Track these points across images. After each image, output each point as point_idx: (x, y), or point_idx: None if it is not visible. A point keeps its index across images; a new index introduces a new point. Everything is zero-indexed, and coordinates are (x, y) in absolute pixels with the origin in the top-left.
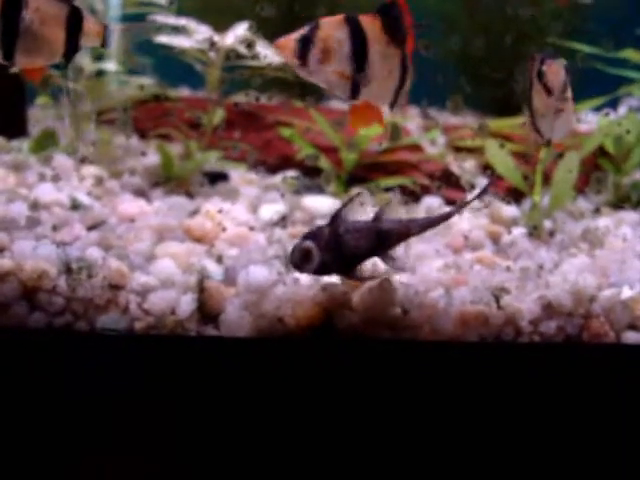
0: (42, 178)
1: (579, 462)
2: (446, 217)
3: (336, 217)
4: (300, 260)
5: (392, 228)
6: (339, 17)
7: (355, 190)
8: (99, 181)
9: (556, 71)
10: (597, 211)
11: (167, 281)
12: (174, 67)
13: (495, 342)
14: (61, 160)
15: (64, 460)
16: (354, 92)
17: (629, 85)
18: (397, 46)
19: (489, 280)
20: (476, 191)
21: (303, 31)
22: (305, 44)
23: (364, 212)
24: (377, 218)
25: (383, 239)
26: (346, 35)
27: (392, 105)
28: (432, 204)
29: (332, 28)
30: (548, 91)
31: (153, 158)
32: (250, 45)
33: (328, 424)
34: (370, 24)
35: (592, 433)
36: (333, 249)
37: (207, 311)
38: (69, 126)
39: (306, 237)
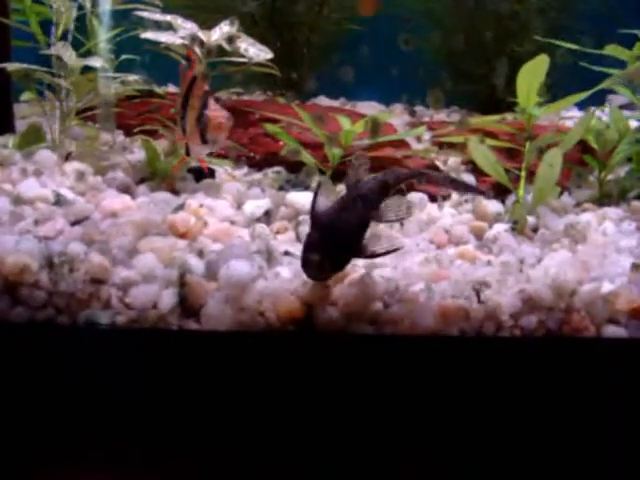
0: (26, 174)
1: (560, 455)
2: (421, 174)
3: (314, 215)
4: (316, 272)
5: (372, 187)
6: None
7: (340, 187)
8: (83, 177)
9: None
10: (578, 205)
11: (149, 275)
12: (163, 64)
13: (476, 336)
14: (46, 156)
15: (44, 454)
16: None
17: (615, 84)
18: None
19: (470, 274)
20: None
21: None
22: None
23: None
24: (351, 187)
25: (368, 201)
26: None
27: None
28: (415, 199)
29: None
30: None
31: (139, 154)
32: (231, 40)
33: (308, 418)
34: None
35: (573, 427)
36: (333, 243)
37: (188, 305)
38: (48, 122)
39: (306, 250)
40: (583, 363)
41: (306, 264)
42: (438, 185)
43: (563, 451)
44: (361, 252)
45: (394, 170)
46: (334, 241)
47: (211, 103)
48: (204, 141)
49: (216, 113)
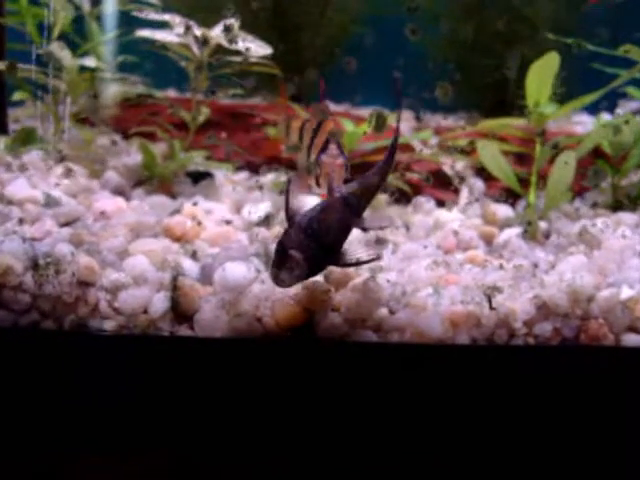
0: (16, 175)
1: (576, 468)
2: (391, 152)
3: (290, 215)
4: (287, 275)
5: (355, 189)
6: None
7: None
8: (76, 179)
9: None
10: (594, 205)
11: (139, 278)
12: (165, 70)
13: (487, 345)
14: (37, 157)
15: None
16: None
17: (628, 86)
18: None
19: (481, 279)
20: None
21: None
22: None
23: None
24: (331, 190)
25: (351, 204)
26: None
27: None
28: (422, 203)
29: None
30: None
31: (136, 158)
32: (231, 40)
33: (308, 430)
34: None
35: (591, 442)
36: (309, 245)
37: (181, 310)
38: (43, 124)
39: (277, 250)
40: (602, 373)
41: (278, 267)
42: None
43: (579, 462)
44: (338, 260)
45: (374, 170)
46: (312, 247)
47: (331, 148)
48: (317, 184)
49: (332, 160)
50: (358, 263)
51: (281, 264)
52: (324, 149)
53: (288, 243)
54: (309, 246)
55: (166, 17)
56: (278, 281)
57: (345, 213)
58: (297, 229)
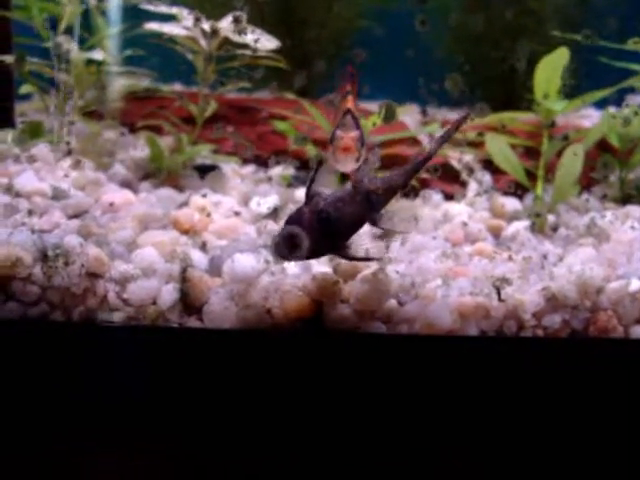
0: (25, 168)
1: (583, 461)
2: (428, 158)
3: (310, 194)
4: (288, 248)
5: (378, 187)
6: None
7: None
8: (84, 172)
9: None
10: (603, 198)
11: (148, 270)
12: (172, 64)
13: (496, 336)
14: (45, 151)
15: (35, 454)
16: None
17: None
18: None
19: (490, 271)
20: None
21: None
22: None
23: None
24: (357, 181)
25: (371, 201)
26: None
27: None
28: (430, 197)
29: None
30: None
31: (144, 151)
32: (240, 31)
33: (318, 422)
34: None
35: (600, 434)
36: (319, 227)
37: (190, 301)
38: (50, 117)
39: (288, 223)
40: (611, 366)
41: (283, 238)
42: (438, 148)
43: (587, 454)
44: (342, 250)
45: (401, 170)
46: (320, 229)
47: (347, 120)
48: (334, 159)
49: (346, 134)
50: (362, 259)
51: (285, 238)
52: (339, 124)
53: (297, 220)
54: (316, 229)
55: (174, 10)
56: (278, 254)
57: (362, 208)
58: (311, 209)
